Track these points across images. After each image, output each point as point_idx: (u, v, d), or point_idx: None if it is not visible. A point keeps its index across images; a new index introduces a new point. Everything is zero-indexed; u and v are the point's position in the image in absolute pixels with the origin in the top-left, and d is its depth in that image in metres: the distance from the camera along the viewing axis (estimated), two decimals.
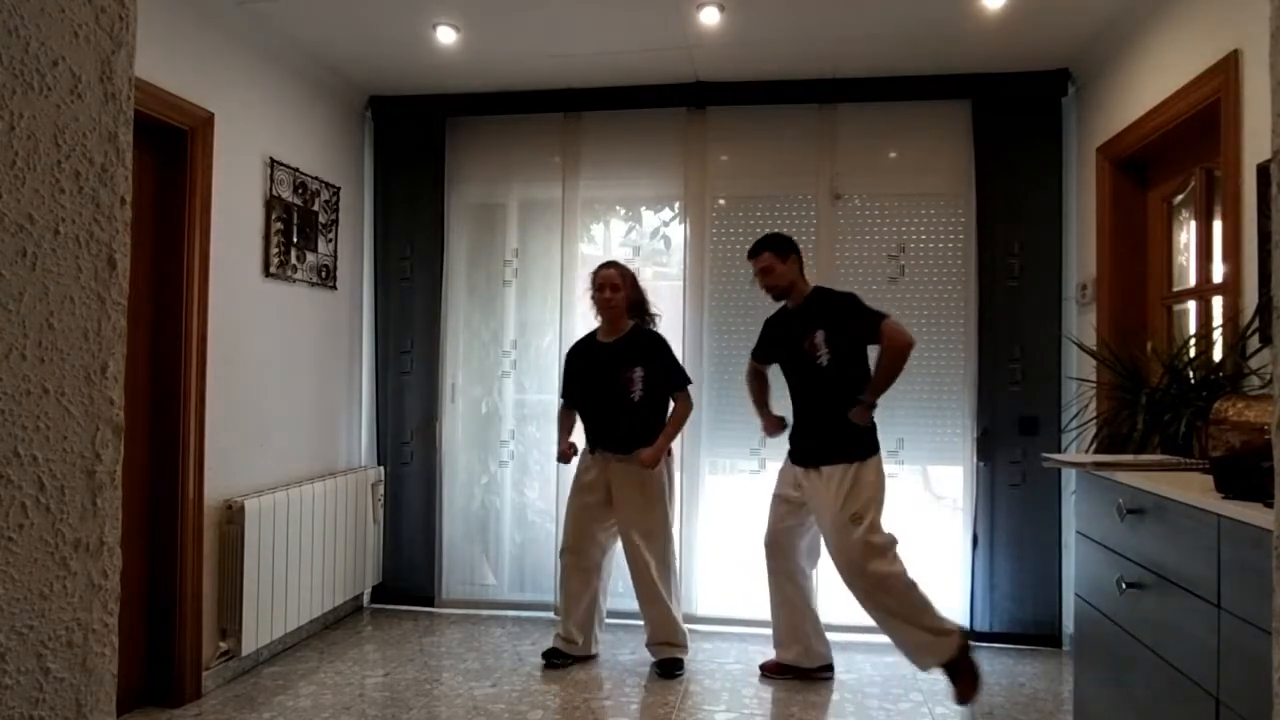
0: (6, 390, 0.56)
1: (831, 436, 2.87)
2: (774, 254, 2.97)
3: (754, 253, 3.03)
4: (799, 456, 2.96)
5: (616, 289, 3.11)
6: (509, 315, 3.89)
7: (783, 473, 3.05)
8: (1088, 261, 3.24)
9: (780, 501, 3.01)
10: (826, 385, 2.89)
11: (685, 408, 3.14)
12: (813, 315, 2.95)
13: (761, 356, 3.17)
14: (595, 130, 3.79)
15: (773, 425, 3.12)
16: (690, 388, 3.15)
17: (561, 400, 3.32)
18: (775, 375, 3.15)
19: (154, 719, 2.66)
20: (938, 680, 3.03)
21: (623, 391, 3.09)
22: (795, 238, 3.64)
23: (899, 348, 2.77)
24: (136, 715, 2.68)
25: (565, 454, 3.20)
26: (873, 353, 2.89)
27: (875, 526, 2.75)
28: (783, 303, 3.07)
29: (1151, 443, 2.27)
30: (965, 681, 2.69)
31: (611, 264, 3.20)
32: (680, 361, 3.24)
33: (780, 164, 3.67)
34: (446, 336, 3.85)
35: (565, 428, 3.27)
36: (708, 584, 3.63)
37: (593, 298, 3.17)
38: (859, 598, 2.77)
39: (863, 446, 2.83)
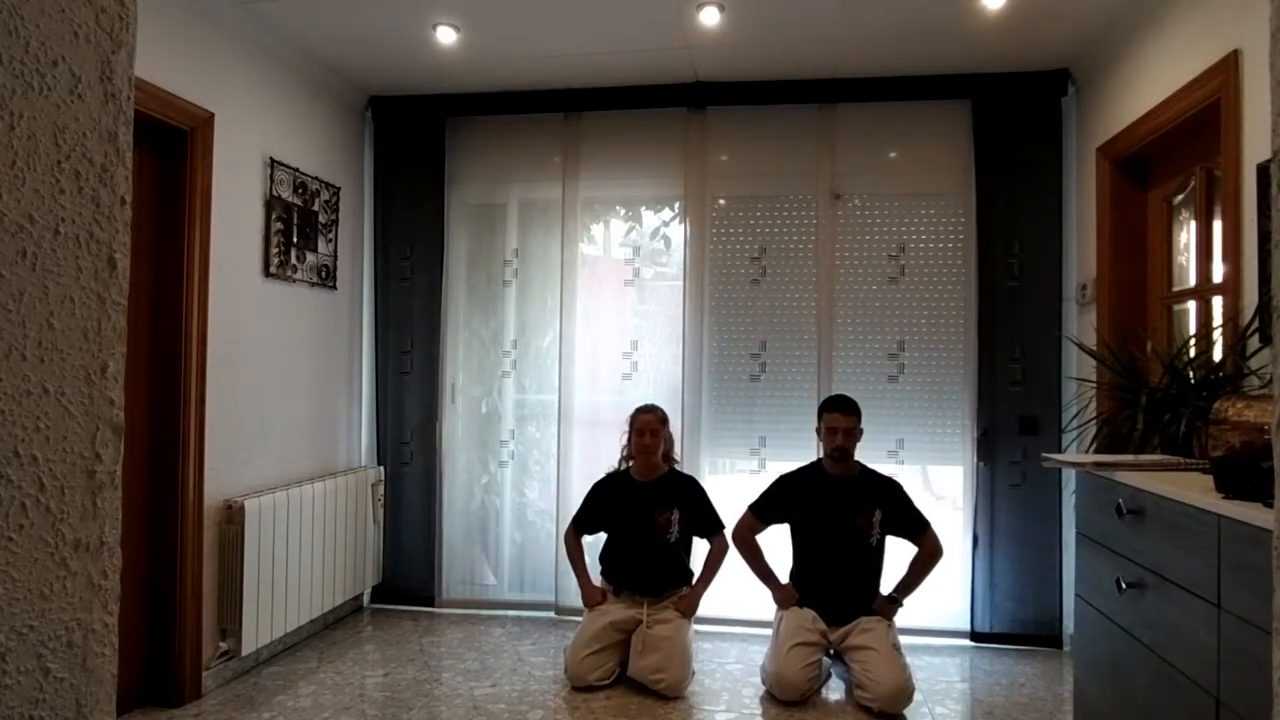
0: (6, 390, 0.56)
1: (867, 602, 3.01)
2: (859, 420, 3.03)
3: (846, 408, 3.00)
4: (834, 617, 2.97)
5: (656, 434, 3.13)
6: (509, 315, 3.89)
7: (796, 614, 2.97)
8: (1088, 261, 3.24)
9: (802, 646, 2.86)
10: (873, 561, 3.03)
11: (722, 550, 3.13)
12: (867, 492, 3.04)
13: (781, 518, 3.12)
14: (595, 130, 3.79)
15: (789, 596, 3.05)
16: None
17: (573, 527, 3.25)
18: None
19: (154, 719, 2.66)
20: (938, 680, 3.04)
21: (659, 532, 3.09)
22: (795, 238, 3.68)
23: (940, 556, 3.02)
24: (136, 715, 2.68)
25: (598, 600, 3.09)
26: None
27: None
28: (800, 465, 3.17)
29: (1151, 443, 2.27)
30: None
31: (650, 409, 3.18)
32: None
33: (780, 164, 3.67)
34: (446, 336, 3.85)
35: (584, 564, 3.20)
36: None
37: (631, 443, 3.17)
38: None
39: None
